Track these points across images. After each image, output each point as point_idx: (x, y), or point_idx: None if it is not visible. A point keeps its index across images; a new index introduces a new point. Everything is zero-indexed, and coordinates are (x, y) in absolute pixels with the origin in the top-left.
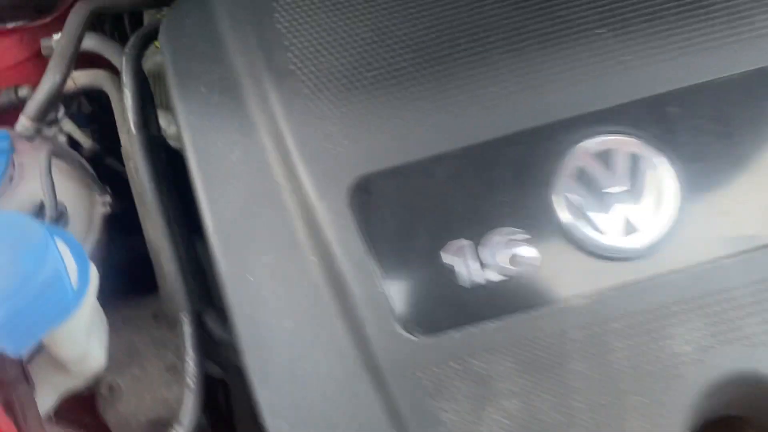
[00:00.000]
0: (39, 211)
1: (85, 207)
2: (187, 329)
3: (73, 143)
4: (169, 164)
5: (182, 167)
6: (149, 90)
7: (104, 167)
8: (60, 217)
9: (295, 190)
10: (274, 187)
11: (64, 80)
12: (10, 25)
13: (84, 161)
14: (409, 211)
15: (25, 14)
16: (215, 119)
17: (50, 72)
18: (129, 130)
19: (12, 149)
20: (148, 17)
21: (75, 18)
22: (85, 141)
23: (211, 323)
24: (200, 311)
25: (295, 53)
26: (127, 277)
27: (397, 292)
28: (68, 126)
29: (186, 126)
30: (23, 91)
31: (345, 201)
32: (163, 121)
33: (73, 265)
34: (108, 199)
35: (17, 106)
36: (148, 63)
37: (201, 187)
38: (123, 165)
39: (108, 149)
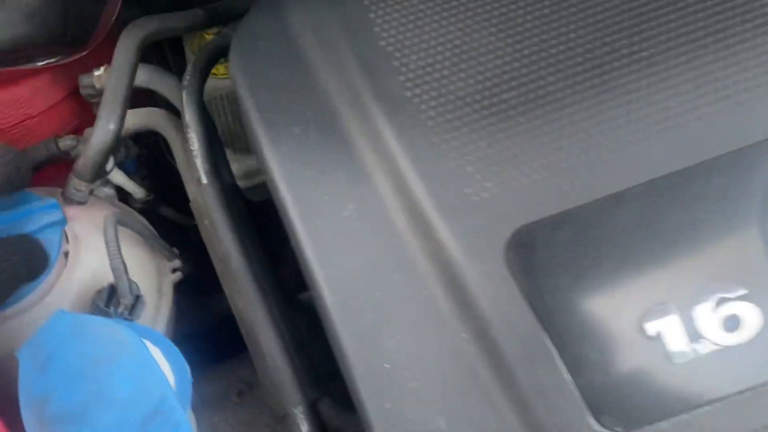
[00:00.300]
0: (109, 297)
1: (153, 278)
2: (304, 428)
3: (121, 192)
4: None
5: (258, 214)
6: (215, 129)
7: (158, 217)
8: (136, 302)
9: (431, 250)
10: (402, 247)
11: (119, 128)
12: (41, 63)
13: (146, 221)
14: (588, 268)
15: (58, 49)
16: (317, 166)
17: (102, 119)
18: (199, 179)
19: (64, 221)
20: (187, 42)
21: (125, 49)
22: (136, 191)
23: (327, 412)
24: (314, 401)
25: (409, 75)
26: (200, 345)
27: (582, 376)
28: (118, 177)
29: (282, 178)
30: (66, 143)
31: (501, 261)
32: None
33: (170, 374)
34: (178, 263)
35: (59, 159)
36: None
37: (311, 255)
38: (179, 212)
39: (162, 197)
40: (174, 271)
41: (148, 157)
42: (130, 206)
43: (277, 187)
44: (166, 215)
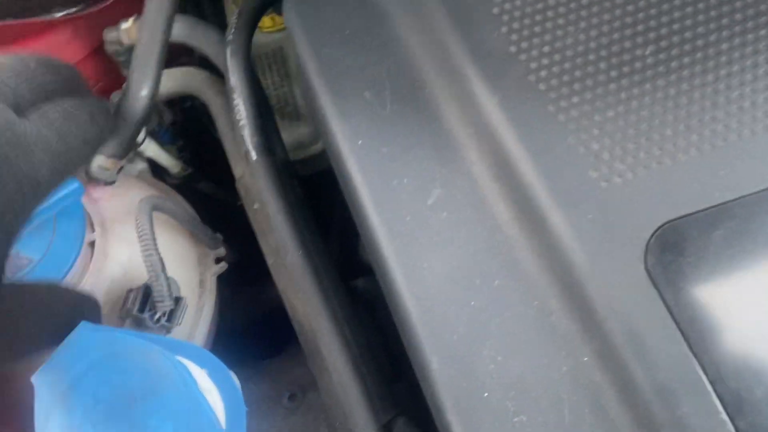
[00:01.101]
0: (144, 300)
1: (194, 270)
2: None
3: (154, 166)
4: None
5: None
6: (264, 94)
7: (196, 194)
8: (176, 305)
9: (543, 250)
10: (505, 245)
11: (154, 94)
12: (59, 15)
13: (186, 203)
14: (754, 277)
15: None
16: (395, 141)
17: (134, 84)
18: (247, 155)
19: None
20: None
21: None
22: (172, 165)
23: None
24: (388, 422)
25: (514, 26)
26: (245, 340)
27: (744, 418)
28: (151, 149)
29: (351, 155)
30: None
31: (639, 266)
32: None
33: (219, 402)
34: (222, 251)
35: None
36: None
37: (389, 254)
38: (221, 187)
39: (201, 170)
40: (218, 261)
41: (185, 124)
42: (164, 182)
43: (345, 166)
44: (205, 191)
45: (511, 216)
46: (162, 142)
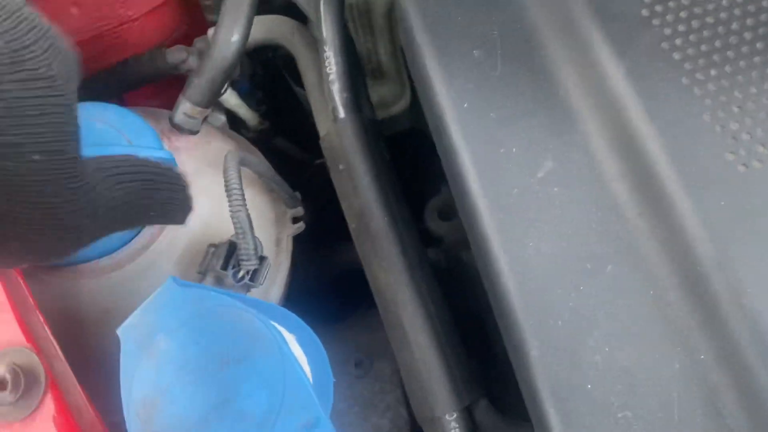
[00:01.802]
0: (228, 256)
1: (272, 229)
2: None
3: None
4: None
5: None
6: (354, 49)
7: (270, 150)
8: (260, 264)
9: (665, 237)
10: (621, 228)
11: (244, 40)
12: None
13: (266, 161)
14: None
15: None
16: (504, 106)
17: (224, 29)
18: (334, 111)
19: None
20: None
21: None
22: (250, 118)
23: (484, 419)
24: (469, 404)
25: None
26: (312, 302)
27: None
28: (232, 100)
29: (455, 119)
30: (175, 55)
31: None
32: None
33: (309, 373)
34: (300, 210)
35: (164, 76)
36: None
37: (490, 229)
38: (296, 144)
39: (276, 125)
40: (295, 220)
41: (264, 76)
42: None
43: (448, 130)
44: (279, 146)
45: (631, 197)
46: (241, 94)
